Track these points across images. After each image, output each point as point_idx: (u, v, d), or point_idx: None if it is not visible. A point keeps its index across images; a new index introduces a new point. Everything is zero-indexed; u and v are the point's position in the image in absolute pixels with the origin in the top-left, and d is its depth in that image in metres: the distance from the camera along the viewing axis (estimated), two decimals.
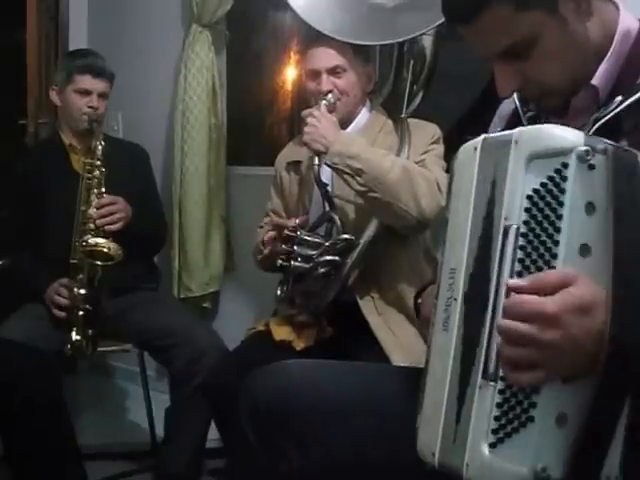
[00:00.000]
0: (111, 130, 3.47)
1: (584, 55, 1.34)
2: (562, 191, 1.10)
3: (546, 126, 1.17)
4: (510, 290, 1.11)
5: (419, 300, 1.63)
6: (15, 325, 2.67)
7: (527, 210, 1.13)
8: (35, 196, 2.88)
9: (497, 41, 1.31)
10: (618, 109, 1.28)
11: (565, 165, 1.11)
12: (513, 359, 1.10)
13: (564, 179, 1.10)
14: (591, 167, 1.10)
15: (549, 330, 1.06)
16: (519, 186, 1.14)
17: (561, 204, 1.10)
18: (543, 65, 1.32)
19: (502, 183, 1.18)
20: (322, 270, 2.28)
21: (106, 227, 2.67)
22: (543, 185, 1.12)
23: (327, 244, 2.28)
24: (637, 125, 1.26)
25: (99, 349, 2.74)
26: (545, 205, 1.11)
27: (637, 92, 1.28)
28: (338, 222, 2.30)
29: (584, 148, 1.10)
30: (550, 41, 1.30)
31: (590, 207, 1.10)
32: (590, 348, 1.06)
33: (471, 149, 1.31)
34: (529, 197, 1.13)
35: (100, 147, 2.74)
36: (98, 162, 2.72)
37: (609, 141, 1.13)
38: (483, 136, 1.30)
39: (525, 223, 1.13)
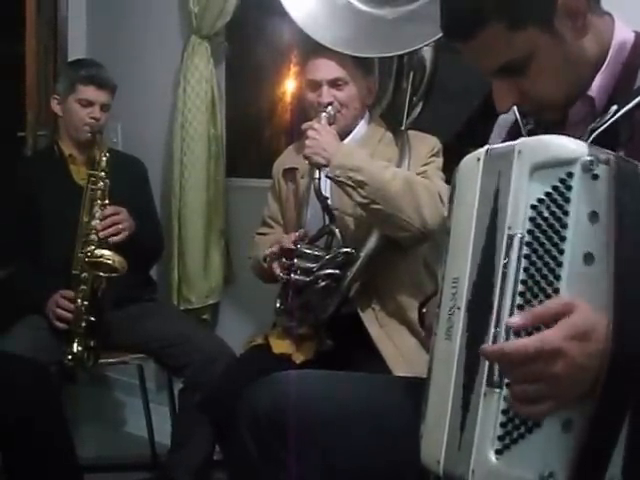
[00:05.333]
0: (110, 142, 3.46)
1: (580, 70, 1.35)
2: (567, 200, 1.11)
3: (549, 136, 1.18)
4: (511, 329, 1.11)
5: (424, 310, 1.63)
6: (16, 336, 2.67)
7: (531, 219, 1.14)
8: (34, 206, 2.88)
9: (493, 58, 1.33)
10: (613, 118, 1.29)
11: (570, 175, 1.12)
12: (523, 396, 1.11)
13: (569, 188, 1.11)
14: (595, 177, 1.11)
15: (555, 364, 1.07)
16: (523, 196, 1.15)
17: (566, 213, 1.11)
18: (539, 81, 1.34)
19: (506, 193, 1.19)
20: (322, 283, 2.28)
21: (110, 239, 2.67)
22: (548, 194, 1.13)
23: (327, 257, 2.29)
24: (633, 135, 1.28)
25: (99, 361, 2.73)
26: (550, 214, 1.12)
27: (632, 100, 1.29)
28: (338, 235, 2.31)
29: (589, 158, 1.11)
30: (546, 58, 1.31)
31: (594, 216, 1.11)
32: (594, 370, 1.07)
33: (474, 160, 1.32)
34: (533, 206, 1.14)
35: (105, 158, 2.74)
36: (102, 173, 2.73)
37: (611, 152, 1.14)
38: (486, 147, 1.31)
39: (529, 232, 1.14)
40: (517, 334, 1.11)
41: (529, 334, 1.10)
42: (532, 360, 1.07)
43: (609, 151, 1.14)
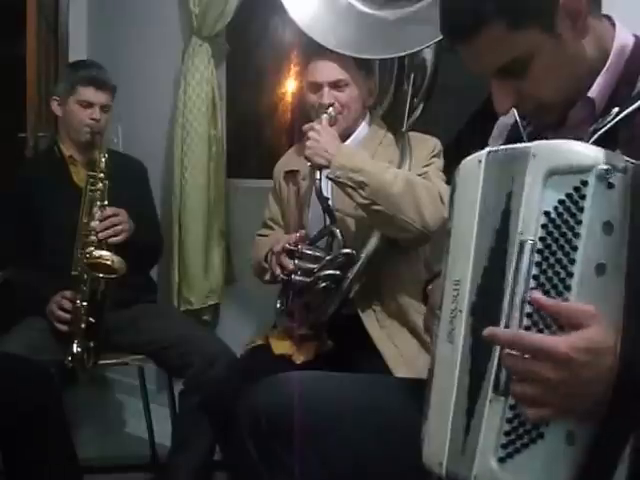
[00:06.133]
0: (111, 143, 3.46)
1: (579, 72, 1.35)
2: (580, 209, 1.10)
3: (566, 142, 1.17)
4: (531, 302, 1.11)
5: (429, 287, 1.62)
6: (17, 337, 2.67)
7: (544, 226, 1.12)
8: (34, 208, 2.88)
9: (494, 59, 1.33)
10: (615, 120, 1.29)
11: (585, 183, 1.10)
12: (523, 396, 1.11)
13: (583, 197, 1.10)
14: (610, 186, 1.09)
15: (558, 370, 1.06)
16: (536, 201, 1.14)
17: (579, 222, 1.10)
18: (539, 82, 1.34)
19: (519, 196, 1.18)
20: (323, 284, 2.28)
21: (109, 240, 2.68)
22: (561, 202, 1.12)
23: (328, 258, 2.29)
24: (632, 136, 1.27)
25: (99, 362, 2.73)
26: (563, 223, 1.11)
27: (633, 104, 1.29)
28: (339, 236, 2.30)
29: (604, 167, 1.09)
30: (546, 59, 1.31)
31: (607, 226, 1.09)
32: (599, 389, 1.07)
33: (475, 162, 1.31)
34: (546, 213, 1.13)
35: (104, 159, 2.75)
36: (101, 174, 2.73)
37: (628, 159, 1.12)
38: (487, 149, 1.30)
39: (541, 239, 1.12)
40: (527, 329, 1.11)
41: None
42: (534, 356, 1.07)
43: (627, 158, 1.12)
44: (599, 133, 1.30)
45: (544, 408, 1.09)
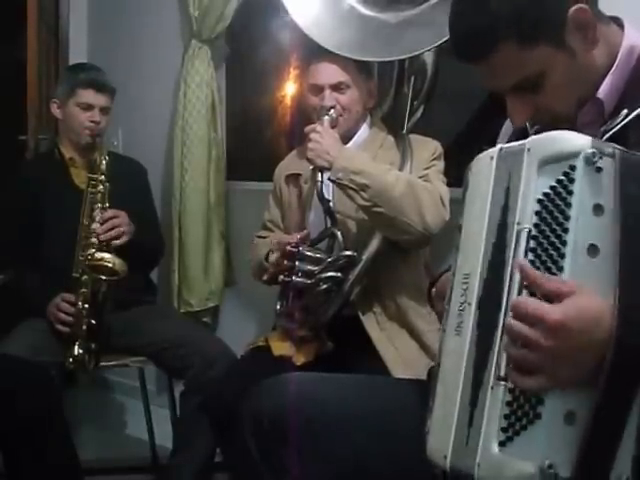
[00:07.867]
0: (111, 145, 3.46)
1: (591, 79, 1.37)
2: (570, 193, 1.13)
3: (557, 132, 1.20)
4: (518, 268, 1.13)
5: (433, 290, 1.63)
6: (18, 338, 2.68)
7: (537, 213, 1.16)
8: (35, 209, 2.89)
9: (507, 77, 1.35)
10: (625, 121, 1.30)
11: (573, 168, 1.14)
12: (516, 359, 1.12)
13: (572, 181, 1.13)
14: (599, 169, 1.13)
15: (551, 337, 1.08)
16: (531, 191, 1.17)
17: (569, 205, 1.13)
18: (554, 96, 1.36)
19: (516, 190, 1.21)
20: (324, 286, 2.29)
21: (110, 242, 2.68)
22: (552, 188, 1.15)
23: (329, 260, 2.29)
24: None
25: (100, 364, 2.74)
26: (554, 207, 1.14)
27: None
28: (340, 238, 2.31)
29: (591, 151, 1.13)
30: (559, 73, 1.33)
31: (598, 208, 1.12)
32: (593, 359, 1.08)
33: (487, 159, 1.33)
34: (539, 200, 1.16)
35: (104, 162, 2.75)
36: (102, 177, 2.74)
37: (618, 146, 1.15)
38: (499, 146, 1.32)
39: (535, 226, 1.15)
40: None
41: None
42: (531, 321, 1.09)
43: (617, 145, 1.15)
44: (609, 134, 1.30)
45: (537, 376, 1.10)
